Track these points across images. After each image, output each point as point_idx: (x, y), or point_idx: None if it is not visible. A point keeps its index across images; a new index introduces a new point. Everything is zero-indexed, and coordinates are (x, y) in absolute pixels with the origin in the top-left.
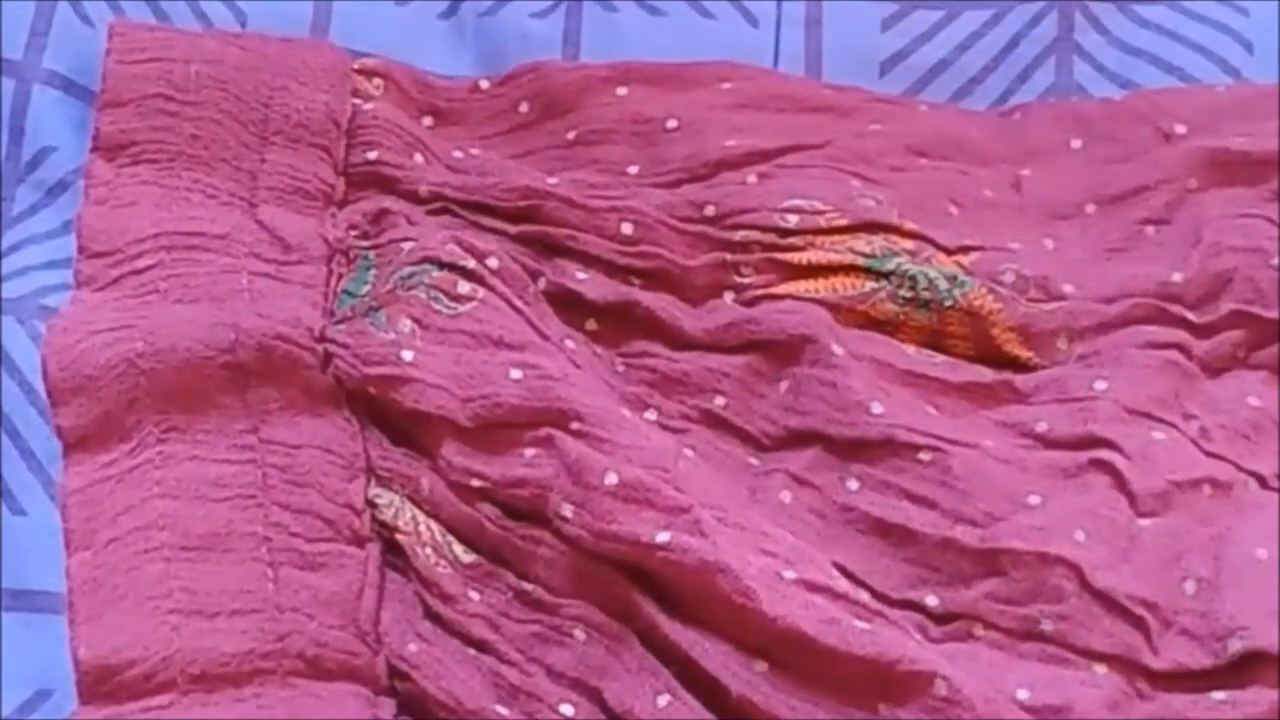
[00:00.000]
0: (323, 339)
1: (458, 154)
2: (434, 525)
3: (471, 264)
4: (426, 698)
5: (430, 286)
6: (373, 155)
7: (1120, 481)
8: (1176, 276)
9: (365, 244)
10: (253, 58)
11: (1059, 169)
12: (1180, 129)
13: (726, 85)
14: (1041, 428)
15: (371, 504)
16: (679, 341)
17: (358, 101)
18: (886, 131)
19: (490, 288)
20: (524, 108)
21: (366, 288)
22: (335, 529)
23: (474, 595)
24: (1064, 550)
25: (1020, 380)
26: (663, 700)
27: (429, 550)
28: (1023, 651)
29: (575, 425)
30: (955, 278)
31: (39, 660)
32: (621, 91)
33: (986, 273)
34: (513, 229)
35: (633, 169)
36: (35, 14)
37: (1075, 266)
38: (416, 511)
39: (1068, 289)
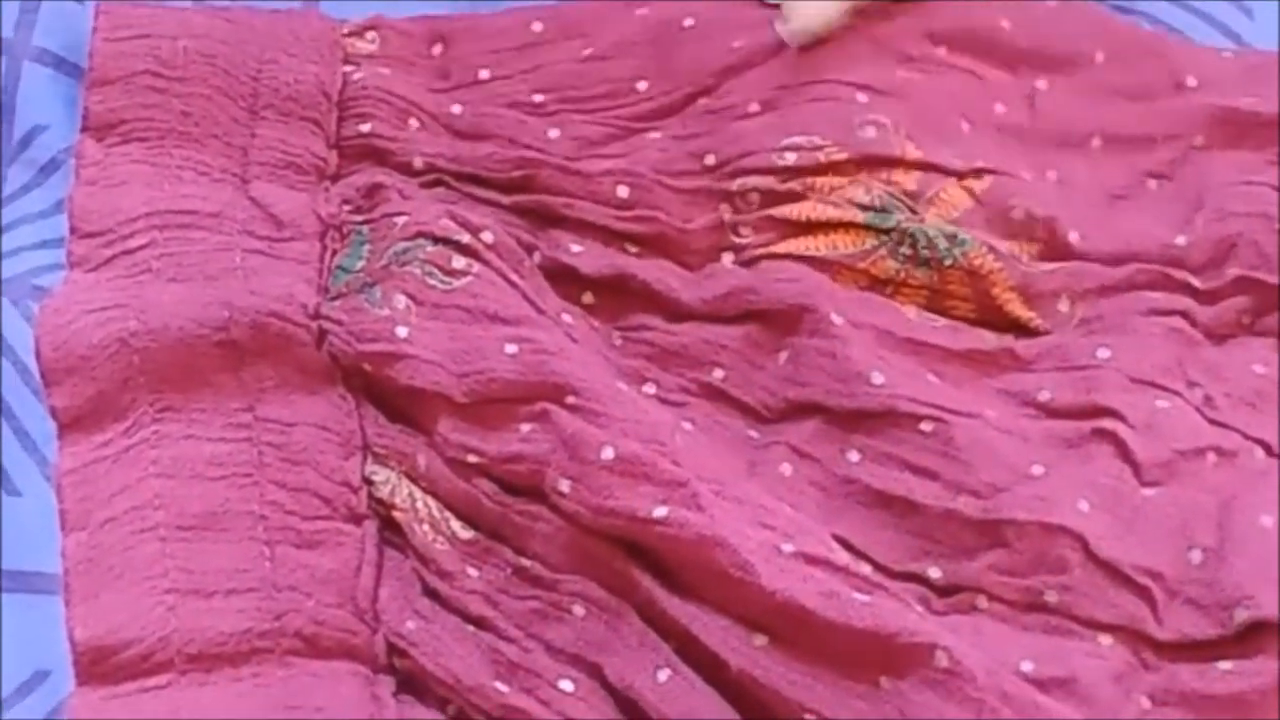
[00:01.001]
0: (317, 316)
1: (456, 109)
2: (431, 502)
3: (466, 238)
4: (425, 675)
5: (424, 262)
6: (366, 128)
7: (1124, 451)
8: (1180, 240)
9: (359, 219)
10: (241, 31)
11: (1075, 86)
12: (1191, 81)
13: None
14: (1044, 397)
15: (368, 481)
16: (676, 313)
17: (350, 69)
18: (911, 14)
19: (485, 262)
20: (537, 26)
21: (361, 263)
22: (332, 507)
23: (472, 572)
24: (1067, 520)
25: (1022, 347)
26: (663, 675)
27: (426, 527)
28: (1026, 623)
29: (571, 400)
30: (955, 236)
31: (37, 641)
32: (642, 11)
33: (997, 204)
34: (507, 199)
35: (642, 85)
36: None
37: (1080, 210)
38: (413, 488)
39: (1073, 237)
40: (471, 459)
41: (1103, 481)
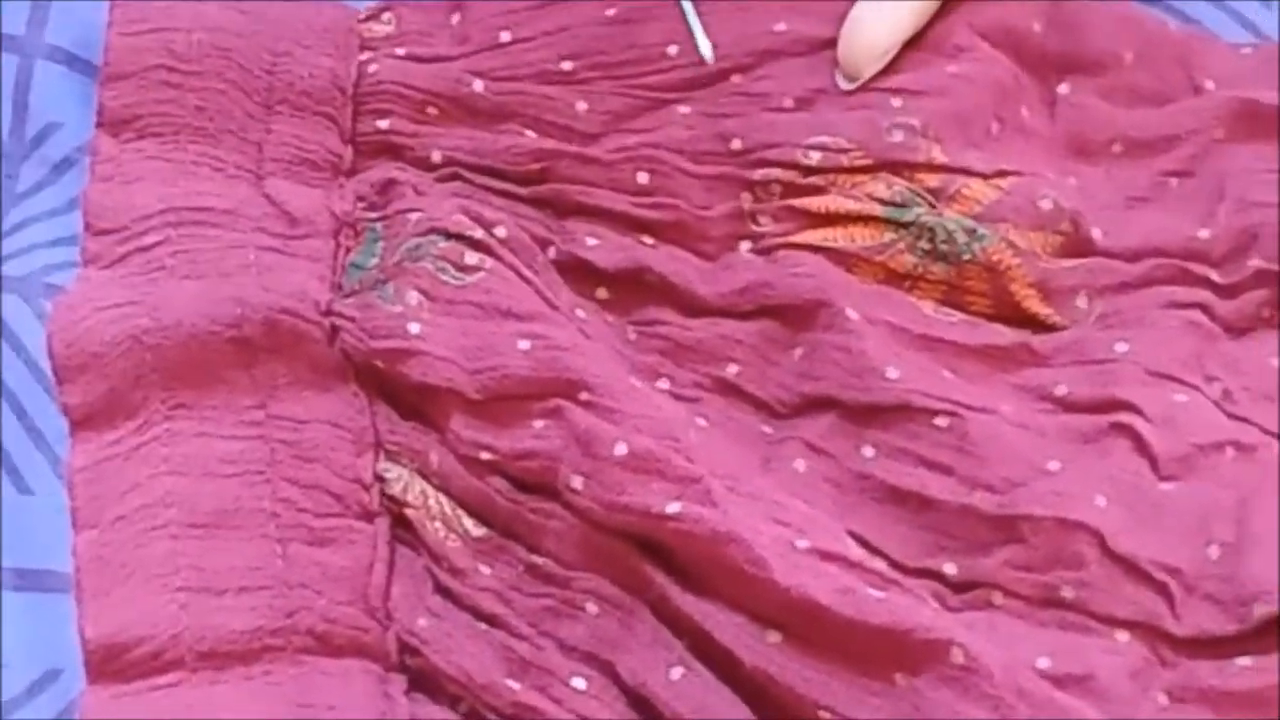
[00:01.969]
0: (329, 313)
1: (478, 85)
2: (443, 499)
3: (479, 234)
4: (437, 673)
5: (437, 258)
6: (384, 124)
7: (1142, 445)
8: (1203, 233)
9: (373, 215)
10: (254, 22)
11: (1100, 89)
12: (1210, 84)
13: None
14: (1061, 391)
15: (380, 478)
16: (692, 307)
17: (366, 56)
18: (959, 11)
19: (498, 257)
20: None
21: (374, 260)
22: (344, 504)
23: (484, 569)
24: (1084, 516)
25: (1039, 343)
26: (676, 673)
27: (439, 524)
28: (1043, 619)
29: (584, 396)
30: (974, 231)
31: (48, 640)
32: None
33: (1025, 195)
34: (524, 190)
35: (673, 49)
36: None
37: (1101, 212)
38: (426, 485)
39: (1096, 233)
40: (484, 456)
41: (1120, 476)
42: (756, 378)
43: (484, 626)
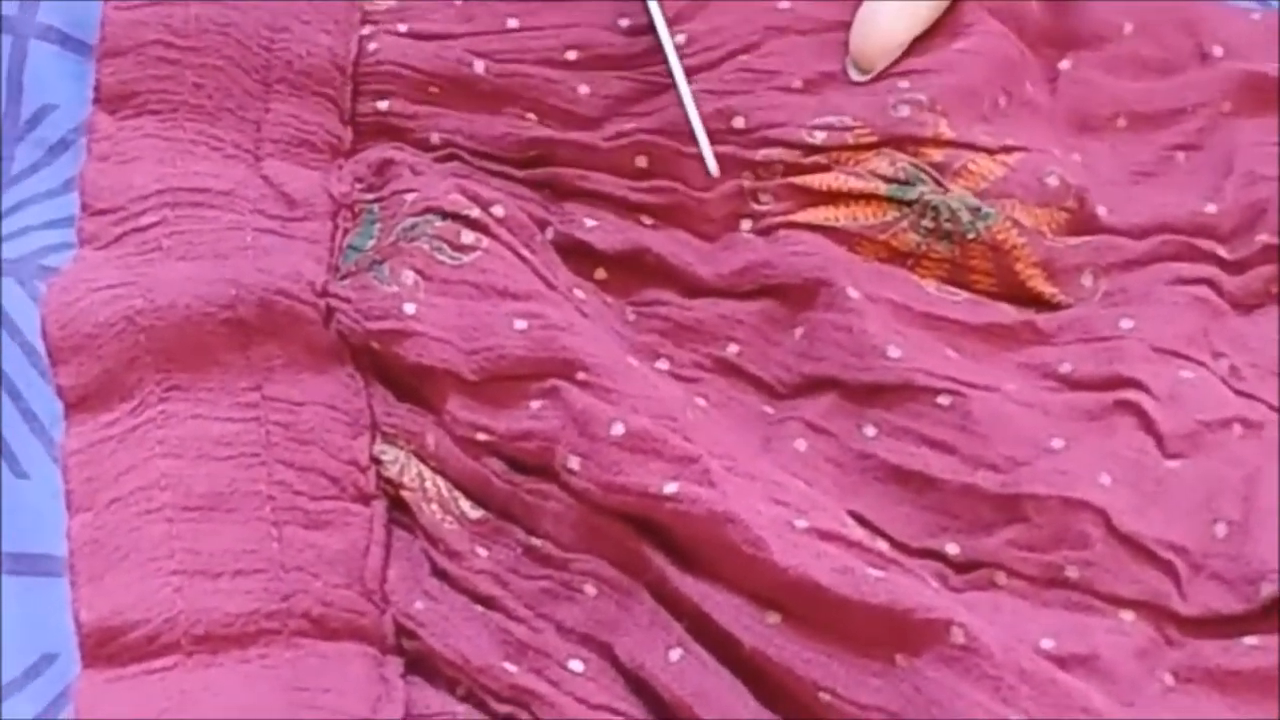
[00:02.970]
0: (324, 294)
1: (479, 66)
2: (440, 481)
3: (475, 213)
4: (434, 656)
5: (433, 237)
6: (383, 105)
7: (1147, 422)
8: (1210, 208)
9: (370, 197)
10: None
11: (1102, 62)
12: (1218, 50)
13: None
14: (1065, 369)
15: (376, 460)
16: (692, 287)
17: (368, 31)
18: None
19: (495, 237)
20: None
21: (371, 242)
22: (340, 486)
23: (481, 551)
24: (1089, 494)
25: (1043, 321)
26: (674, 654)
27: (435, 506)
28: (1047, 599)
29: (581, 376)
30: (979, 209)
31: (43, 624)
32: None
33: (1031, 171)
34: (521, 173)
35: (680, 38)
36: None
37: (1107, 188)
38: (422, 467)
39: (1101, 210)
40: (481, 437)
41: (1125, 454)
42: (757, 358)
43: (481, 609)
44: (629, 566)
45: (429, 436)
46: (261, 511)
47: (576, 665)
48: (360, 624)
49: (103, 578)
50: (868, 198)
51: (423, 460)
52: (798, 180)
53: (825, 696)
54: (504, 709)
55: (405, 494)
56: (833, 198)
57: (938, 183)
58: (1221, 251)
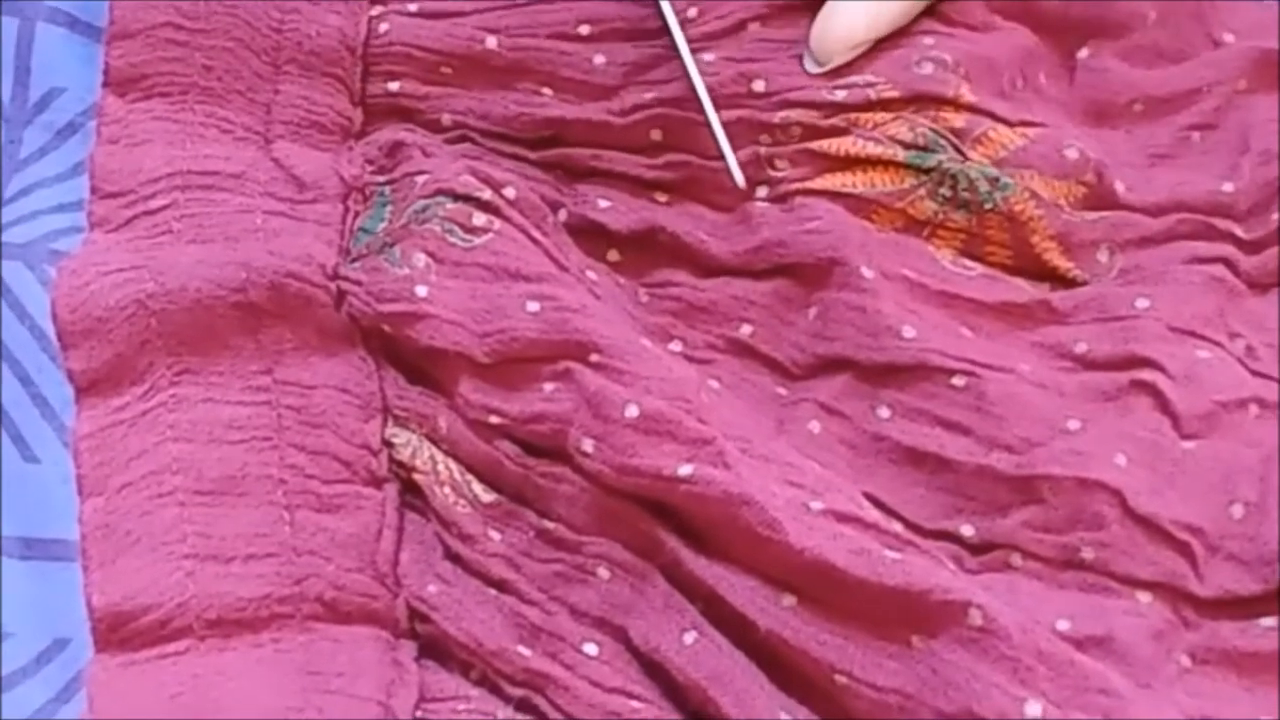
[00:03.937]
0: (335, 276)
1: (492, 41)
2: (452, 464)
3: (487, 194)
4: (447, 639)
5: (444, 219)
6: (394, 86)
7: (1163, 403)
8: (1227, 187)
9: (381, 179)
10: None
11: (1122, 50)
12: (1228, 37)
13: None
14: (1081, 349)
15: (389, 444)
16: (707, 266)
17: (377, 13)
18: None
19: (507, 219)
20: None
21: (382, 225)
22: (352, 470)
23: (494, 535)
24: (1105, 475)
25: (1058, 299)
26: (689, 637)
27: (448, 490)
28: (1062, 581)
29: (595, 358)
30: (997, 179)
31: (55, 609)
32: None
33: (1050, 143)
34: (533, 154)
35: (692, 11)
36: None
37: (1124, 169)
38: (435, 451)
39: (1119, 187)
40: (493, 420)
41: (1141, 435)
42: (770, 338)
43: (494, 593)
44: (643, 549)
45: (441, 420)
46: (273, 495)
47: (590, 648)
48: (373, 608)
49: (115, 562)
50: (885, 164)
51: (435, 443)
52: (814, 145)
53: (841, 679)
54: (518, 692)
55: (417, 477)
56: (850, 163)
57: (957, 150)
58: (1238, 230)
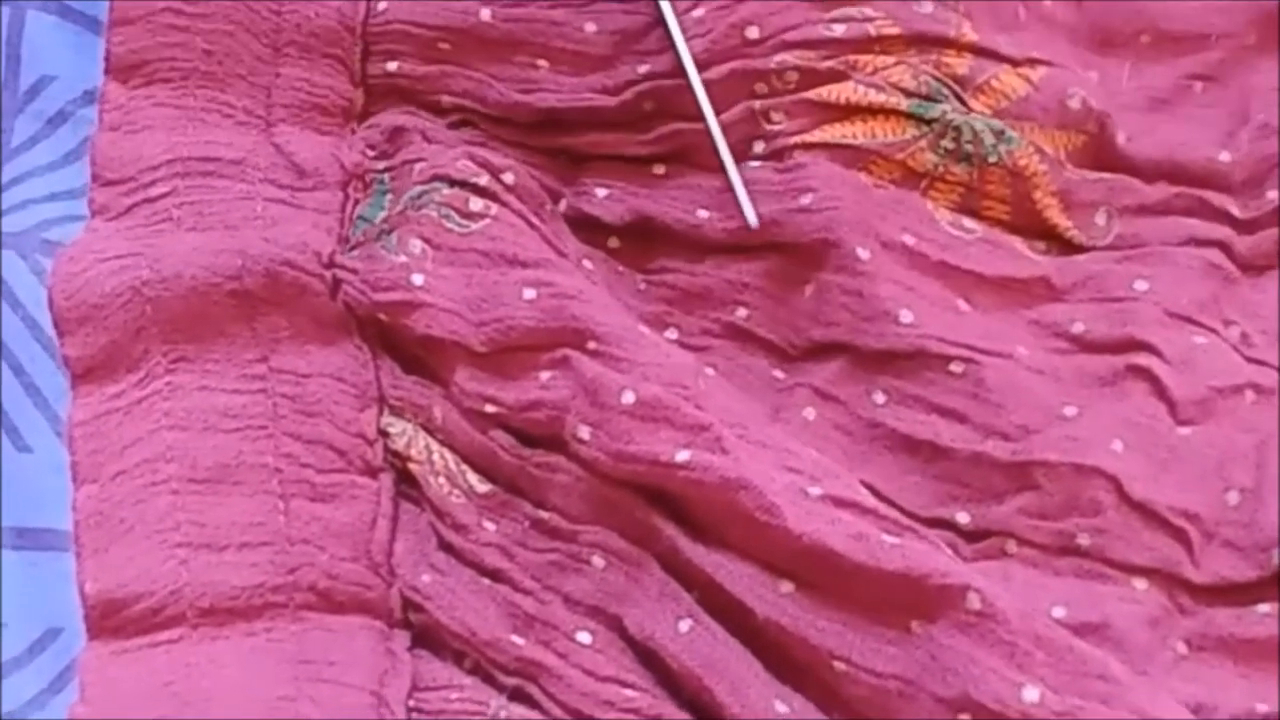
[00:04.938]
0: (331, 265)
1: (486, 13)
2: (448, 454)
3: (485, 180)
4: (440, 629)
5: (441, 204)
6: (393, 66)
7: (1159, 388)
8: (1224, 156)
9: (381, 165)
10: None
11: None
12: None
13: None
14: (1078, 329)
15: (384, 433)
16: (701, 246)
17: None
18: None
19: (504, 204)
20: None
21: (382, 213)
22: (347, 459)
23: (489, 525)
24: (1101, 461)
25: (1057, 274)
26: (684, 625)
27: (442, 480)
28: (1058, 568)
29: (592, 345)
30: (1003, 133)
31: (48, 598)
32: None
33: (1054, 91)
34: (532, 141)
35: None
36: None
37: (1124, 114)
38: (430, 440)
39: (1121, 137)
40: (489, 409)
41: (1137, 421)
42: (766, 320)
43: (488, 582)
44: (639, 537)
45: (436, 409)
46: (268, 484)
47: (584, 637)
48: (367, 597)
49: (108, 550)
50: (887, 113)
51: (430, 433)
52: (812, 95)
53: (840, 665)
54: (511, 681)
55: (413, 467)
56: (849, 112)
57: (960, 99)
58: (1233, 209)
